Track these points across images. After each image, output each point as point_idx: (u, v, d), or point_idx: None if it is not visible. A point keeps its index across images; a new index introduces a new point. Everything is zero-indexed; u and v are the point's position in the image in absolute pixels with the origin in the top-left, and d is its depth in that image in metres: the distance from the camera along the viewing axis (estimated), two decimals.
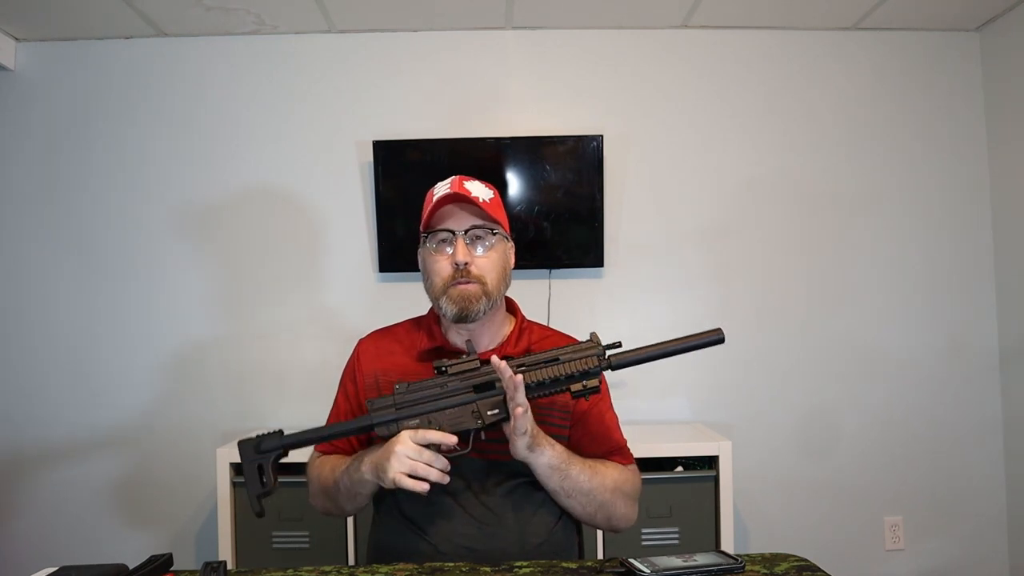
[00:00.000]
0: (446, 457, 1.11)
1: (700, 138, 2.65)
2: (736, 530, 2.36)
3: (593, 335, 1.15)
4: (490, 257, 1.25)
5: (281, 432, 1.14)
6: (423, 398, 1.14)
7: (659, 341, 1.14)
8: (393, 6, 2.43)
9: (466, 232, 1.23)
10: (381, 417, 1.14)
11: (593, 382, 1.12)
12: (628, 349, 1.14)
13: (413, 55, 2.62)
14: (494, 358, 1.11)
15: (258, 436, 1.13)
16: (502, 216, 1.29)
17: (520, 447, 1.13)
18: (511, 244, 1.33)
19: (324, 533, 2.20)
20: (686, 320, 2.62)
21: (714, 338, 1.12)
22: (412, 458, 1.08)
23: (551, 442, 1.18)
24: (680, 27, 2.64)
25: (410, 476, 1.08)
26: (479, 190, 1.26)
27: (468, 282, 1.22)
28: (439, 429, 1.11)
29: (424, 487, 1.08)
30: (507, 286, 1.29)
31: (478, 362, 1.15)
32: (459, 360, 1.16)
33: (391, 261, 2.55)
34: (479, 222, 1.24)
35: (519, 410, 1.09)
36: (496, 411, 1.12)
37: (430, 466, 1.08)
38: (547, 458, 1.16)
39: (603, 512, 1.25)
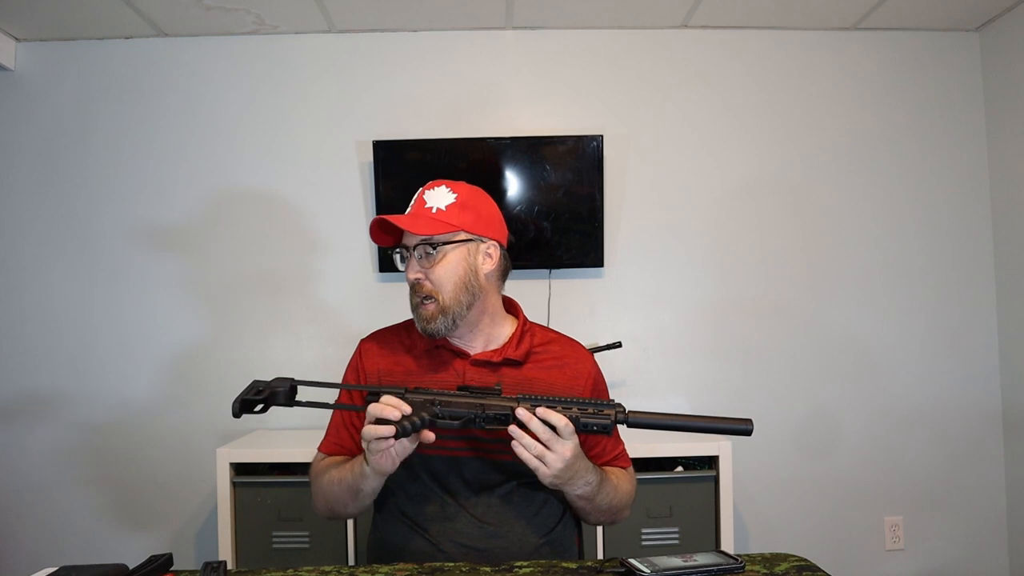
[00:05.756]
0: (436, 424, 1.09)
1: (700, 138, 2.65)
2: (736, 530, 2.37)
3: (621, 405, 1.13)
4: (443, 268, 1.23)
5: (294, 379, 1.14)
6: (436, 394, 1.14)
7: (685, 413, 1.15)
8: (393, 6, 2.43)
9: (415, 248, 1.24)
10: (391, 388, 1.13)
11: (604, 422, 1.11)
12: (648, 411, 1.14)
13: (413, 55, 2.62)
14: (521, 412, 1.09)
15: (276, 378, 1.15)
16: (465, 219, 1.24)
17: (544, 482, 1.13)
18: (486, 244, 1.27)
19: (324, 533, 2.20)
20: (686, 320, 2.62)
21: (741, 428, 1.10)
22: (375, 411, 1.07)
23: (587, 481, 1.17)
24: (680, 27, 2.64)
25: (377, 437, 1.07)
26: (437, 198, 1.24)
27: (426, 300, 1.23)
28: (438, 412, 1.10)
29: (388, 430, 1.05)
30: (474, 293, 1.25)
31: (499, 392, 1.14)
32: (484, 388, 1.15)
33: (391, 261, 2.52)
34: (427, 235, 1.22)
35: (538, 466, 1.09)
36: (499, 412, 1.11)
37: (374, 411, 1.07)
38: (579, 491, 1.18)
39: (608, 518, 1.30)
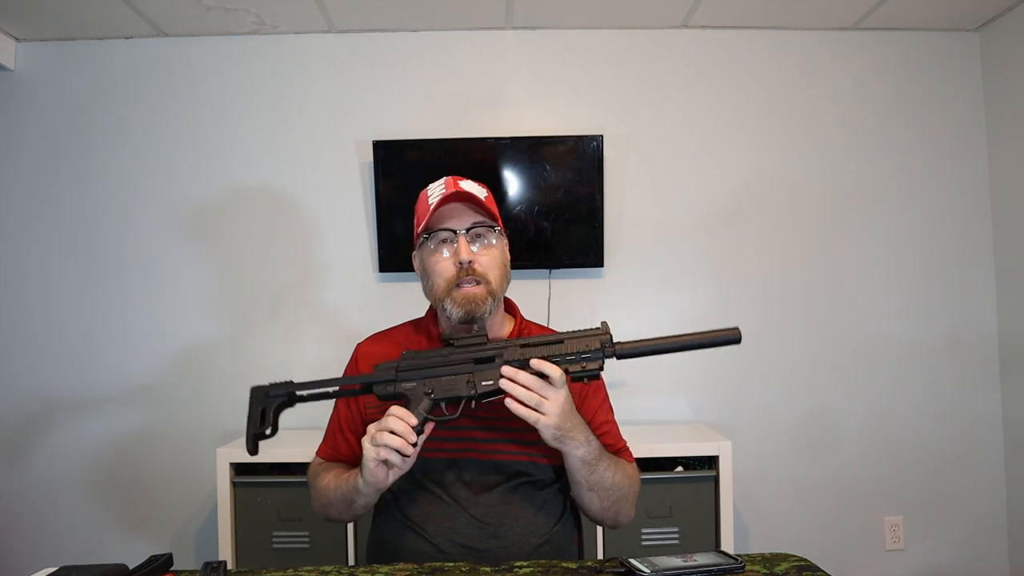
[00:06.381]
0: (436, 422, 1.12)
1: (700, 138, 2.65)
2: (736, 530, 2.36)
3: (604, 323, 1.13)
4: (491, 254, 1.24)
5: (291, 382, 1.16)
6: (425, 364, 1.14)
7: (670, 335, 1.11)
8: (393, 6, 2.43)
9: (468, 230, 1.23)
10: (380, 377, 1.14)
11: (593, 365, 1.11)
12: (636, 339, 1.12)
13: (413, 55, 2.62)
14: (506, 369, 1.10)
15: (270, 384, 1.17)
16: (496, 212, 1.29)
17: (547, 437, 1.12)
18: (504, 239, 1.32)
19: (324, 533, 2.20)
20: (686, 320, 2.62)
21: (729, 337, 1.08)
22: (375, 441, 1.09)
23: (588, 439, 1.16)
24: (680, 27, 2.64)
25: (379, 462, 1.10)
26: (475, 188, 1.26)
27: (475, 283, 1.21)
28: (433, 394, 1.12)
29: (387, 454, 1.08)
30: (508, 283, 1.29)
31: (485, 338, 1.15)
32: (467, 336, 1.16)
33: (391, 261, 2.55)
34: (480, 219, 1.24)
35: (520, 409, 1.09)
36: (490, 383, 1.11)
37: (390, 444, 1.08)
38: (581, 452, 1.15)
39: (614, 508, 1.25)
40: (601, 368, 1.12)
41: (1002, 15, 2.53)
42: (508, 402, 1.09)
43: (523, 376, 1.08)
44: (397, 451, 1.08)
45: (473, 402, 1.13)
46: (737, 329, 1.08)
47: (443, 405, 1.13)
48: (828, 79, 2.66)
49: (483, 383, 1.11)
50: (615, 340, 1.11)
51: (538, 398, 1.08)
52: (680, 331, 1.16)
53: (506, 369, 1.09)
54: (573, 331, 1.14)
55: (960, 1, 2.44)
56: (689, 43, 2.65)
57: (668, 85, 2.65)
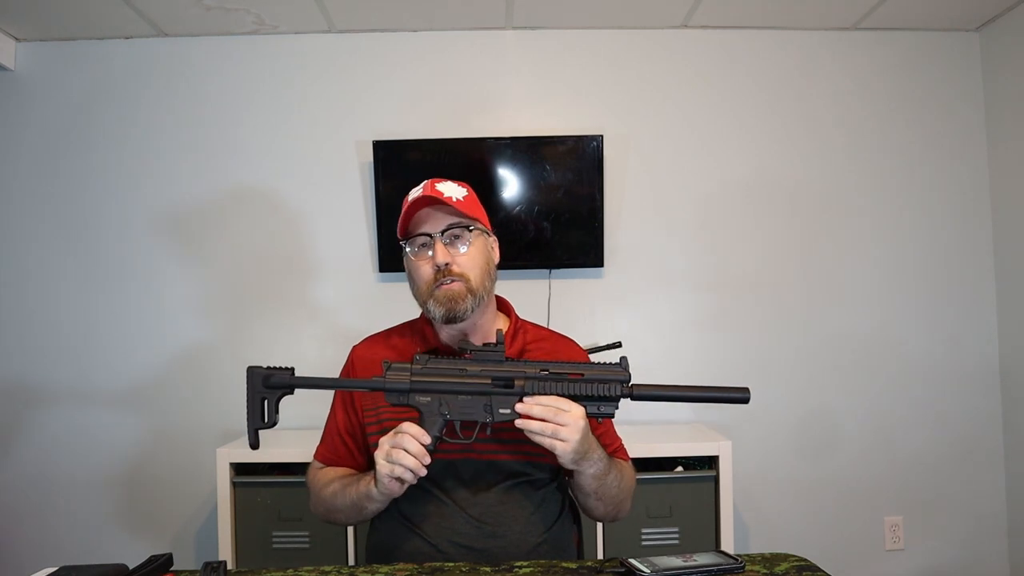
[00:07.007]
0: (450, 441, 1.13)
1: (700, 138, 2.65)
2: (736, 530, 2.36)
3: (624, 360, 1.14)
4: (470, 254, 1.25)
5: (292, 371, 1.13)
6: (440, 376, 1.13)
7: (685, 384, 1.15)
8: (393, 6, 2.43)
9: (443, 233, 1.24)
10: (394, 384, 1.12)
11: (610, 408, 1.12)
12: (652, 383, 1.13)
13: (413, 55, 2.62)
14: (520, 406, 1.10)
15: (268, 368, 1.12)
16: (479, 212, 1.29)
17: (565, 462, 1.13)
18: (493, 239, 1.33)
19: (324, 533, 2.20)
20: (686, 320, 2.62)
21: (739, 396, 1.11)
22: (391, 458, 1.10)
23: (600, 455, 1.18)
24: (680, 27, 2.64)
25: (393, 478, 1.11)
26: (452, 190, 1.26)
27: (452, 281, 1.22)
28: (448, 413, 1.12)
29: (401, 472, 1.09)
30: (493, 281, 1.29)
31: (503, 352, 1.14)
32: (485, 348, 1.15)
33: (391, 261, 2.55)
34: (455, 220, 1.24)
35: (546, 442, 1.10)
36: (508, 411, 1.11)
37: (405, 464, 1.09)
38: (595, 469, 1.17)
39: (615, 509, 1.28)
40: (615, 410, 1.13)
41: (1002, 15, 2.53)
42: (528, 435, 1.10)
43: (537, 410, 1.09)
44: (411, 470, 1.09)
45: (488, 428, 1.13)
46: (747, 390, 1.11)
47: (457, 426, 1.13)
48: (828, 79, 2.66)
49: (501, 411, 1.11)
50: (632, 383, 1.12)
51: (554, 427, 1.09)
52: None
53: (521, 406, 1.09)
54: (593, 364, 1.15)
55: (960, 1, 2.44)
56: (689, 43, 2.65)
57: (668, 85, 2.65)
